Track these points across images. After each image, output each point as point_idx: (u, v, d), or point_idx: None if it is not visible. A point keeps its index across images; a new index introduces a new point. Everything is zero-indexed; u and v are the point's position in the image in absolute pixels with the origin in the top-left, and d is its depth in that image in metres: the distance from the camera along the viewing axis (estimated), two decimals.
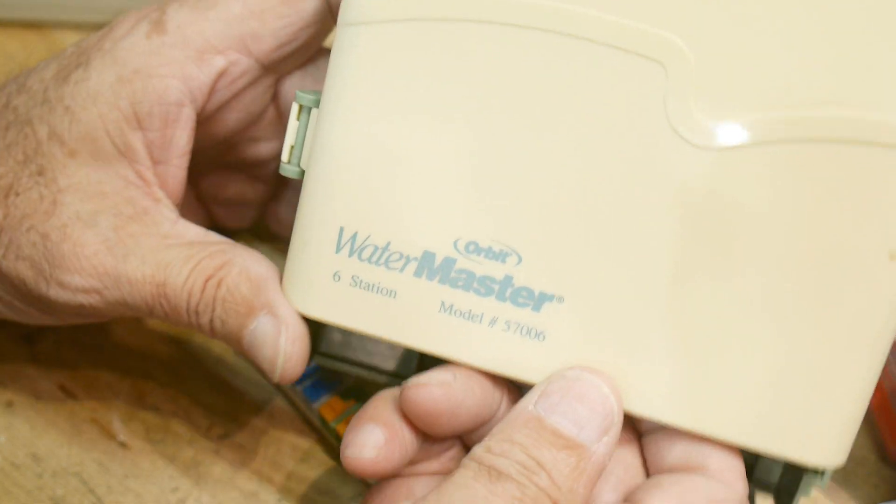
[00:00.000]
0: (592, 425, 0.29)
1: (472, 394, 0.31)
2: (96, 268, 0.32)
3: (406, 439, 0.31)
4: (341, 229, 0.30)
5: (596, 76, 0.29)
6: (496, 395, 0.32)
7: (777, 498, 0.34)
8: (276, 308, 0.32)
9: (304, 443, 0.39)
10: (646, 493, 0.30)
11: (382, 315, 0.31)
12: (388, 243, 0.30)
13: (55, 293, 0.33)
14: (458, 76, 0.29)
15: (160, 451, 0.39)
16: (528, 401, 0.29)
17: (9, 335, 0.42)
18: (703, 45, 0.28)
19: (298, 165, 0.31)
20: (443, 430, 0.31)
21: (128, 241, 0.33)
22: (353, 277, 0.30)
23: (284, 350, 0.32)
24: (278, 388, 0.40)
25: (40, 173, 0.33)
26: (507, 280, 0.30)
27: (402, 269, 0.30)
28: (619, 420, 0.29)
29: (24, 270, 0.33)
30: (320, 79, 0.37)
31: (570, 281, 0.30)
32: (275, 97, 0.37)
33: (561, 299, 0.30)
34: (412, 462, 0.32)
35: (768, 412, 0.29)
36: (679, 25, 0.28)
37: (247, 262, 0.32)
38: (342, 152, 0.30)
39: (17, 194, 0.33)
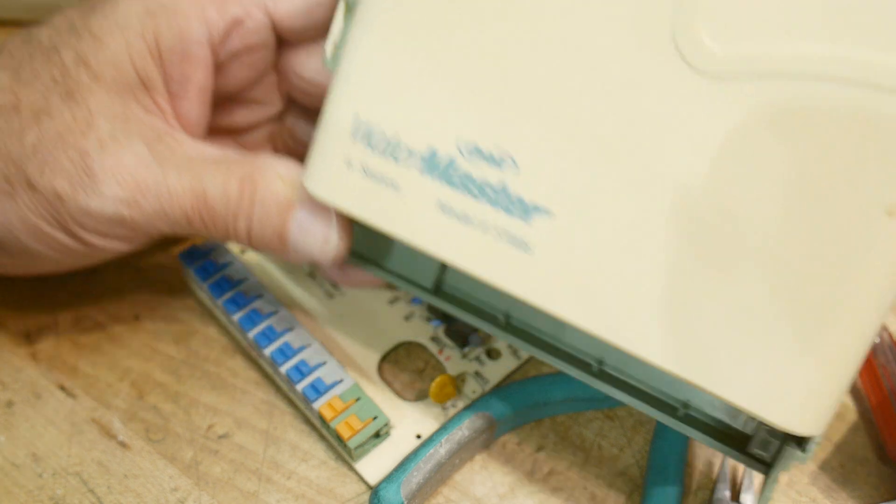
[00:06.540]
0: None
1: None
2: (136, 179, 0.34)
3: None
4: (356, 114, 0.32)
5: None
6: None
7: (768, 476, 0.33)
8: (316, 198, 0.34)
9: (304, 443, 0.39)
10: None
11: (385, 207, 0.32)
12: (397, 134, 0.32)
13: (96, 203, 0.34)
14: None
15: (160, 451, 0.39)
16: None
17: (9, 335, 0.42)
18: None
19: None
20: None
21: (162, 155, 0.35)
22: (363, 167, 0.32)
23: (336, 232, 0.35)
24: (278, 387, 0.41)
25: (69, 95, 0.34)
26: (503, 187, 0.31)
27: (407, 163, 0.32)
28: None
29: (61, 185, 0.34)
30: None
31: (562, 196, 0.30)
32: (280, 70, 0.39)
33: (551, 214, 0.30)
34: None
35: (746, 366, 0.28)
36: None
37: (277, 165, 0.35)
38: (366, 47, 0.32)
39: (51, 116, 0.34)
